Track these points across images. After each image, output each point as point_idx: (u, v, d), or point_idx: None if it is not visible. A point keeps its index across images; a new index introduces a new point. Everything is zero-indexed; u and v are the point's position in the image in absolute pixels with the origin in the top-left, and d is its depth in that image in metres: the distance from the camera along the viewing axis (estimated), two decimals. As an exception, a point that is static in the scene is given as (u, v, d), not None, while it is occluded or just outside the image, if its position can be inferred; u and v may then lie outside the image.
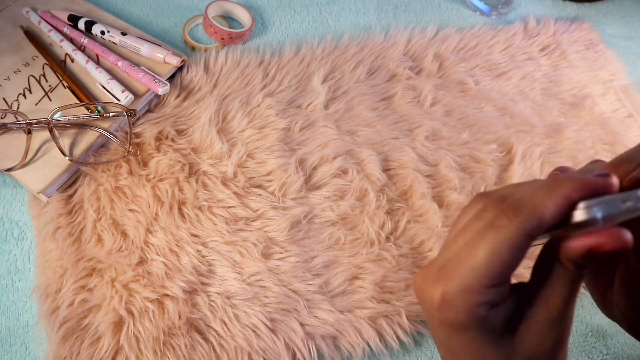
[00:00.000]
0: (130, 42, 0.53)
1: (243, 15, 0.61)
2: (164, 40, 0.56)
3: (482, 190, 0.51)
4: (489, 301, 0.22)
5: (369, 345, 0.43)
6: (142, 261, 0.44)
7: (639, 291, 0.27)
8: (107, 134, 0.48)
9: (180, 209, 0.46)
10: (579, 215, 0.21)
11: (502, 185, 0.25)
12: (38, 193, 0.45)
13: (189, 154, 0.49)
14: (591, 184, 0.22)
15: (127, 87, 0.51)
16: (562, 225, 0.22)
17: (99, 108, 0.49)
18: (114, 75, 0.51)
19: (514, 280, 0.24)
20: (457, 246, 0.23)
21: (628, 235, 0.21)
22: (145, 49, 0.53)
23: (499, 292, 0.23)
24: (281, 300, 0.43)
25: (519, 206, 0.22)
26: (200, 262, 0.44)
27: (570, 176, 0.22)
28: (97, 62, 0.53)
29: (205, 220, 0.46)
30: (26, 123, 0.46)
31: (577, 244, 0.22)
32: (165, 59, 0.53)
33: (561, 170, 0.27)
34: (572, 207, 0.22)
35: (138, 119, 0.51)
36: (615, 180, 0.22)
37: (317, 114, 0.53)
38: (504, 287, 0.23)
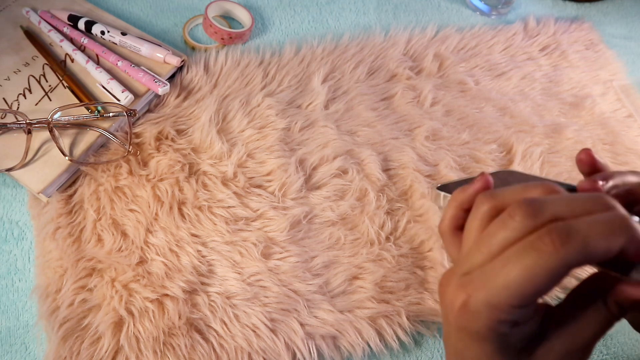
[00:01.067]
0: (130, 42, 0.53)
1: (243, 15, 0.61)
2: (164, 40, 0.56)
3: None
4: (513, 320, 0.22)
5: (369, 345, 0.43)
6: (142, 261, 0.44)
7: None
8: (107, 134, 0.48)
9: (180, 209, 0.46)
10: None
11: (523, 184, 0.24)
12: (38, 193, 0.45)
13: (189, 154, 0.49)
14: None
15: (127, 87, 0.51)
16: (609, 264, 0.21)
17: (99, 108, 0.49)
18: (114, 75, 0.51)
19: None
20: (485, 255, 0.22)
21: None
22: (145, 49, 0.53)
23: (524, 312, 0.22)
24: (281, 300, 0.43)
25: (569, 235, 0.20)
26: (200, 262, 0.44)
27: (631, 224, 0.20)
28: (97, 62, 0.53)
29: (205, 220, 0.46)
30: (26, 123, 0.46)
31: (633, 292, 0.21)
32: (165, 59, 0.53)
33: (605, 178, 0.25)
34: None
35: (138, 119, 0.51)
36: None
37: (317, 114, 0.53)
38: (530, 308, 0.22)
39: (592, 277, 0.24)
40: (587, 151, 0.27)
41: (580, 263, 0.20)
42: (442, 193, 0.29)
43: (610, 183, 0.25)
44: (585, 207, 0.21)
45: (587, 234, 0.20)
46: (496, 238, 0.22)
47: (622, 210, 0.21)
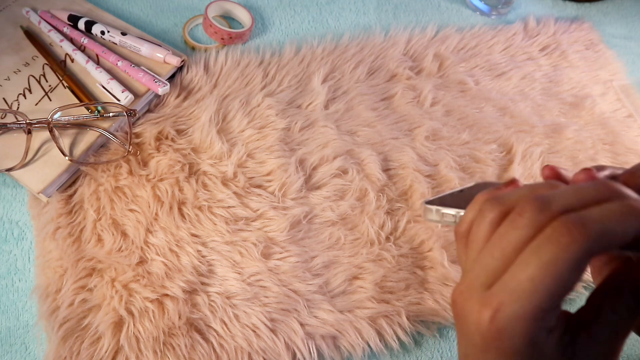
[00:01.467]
0: (130, 42, 0.53)
1: (243, 15, 0.61)
2: (164, 40, 0.56)
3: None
4: (548, 326, 0.21)
5: (369, 345, 0.43)
6: (142, 261, 0.44)
7: None
8: (107, 134, 0.48)
9: (180, 209, 0.46)
10: None
11: (520, 188, 0.24)
12: (38, 193, 0.45)
13: (189, 154, 0.49)
14: None
15: (127, 87, 0.51)
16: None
17: (99, 108, 0.49)
18: (114, 75, 0.51)
19: None
20: (499, 261, 0.21)
21: None
22: (145, 49, 0.53)
23: (555, 314, 0.21)
24: (281, 300, 0.43)
25: (584, 222, 0.19)
26: (200, 262, 0.44)
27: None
28: (97, 62, 0.53)
29: (205, 220, 0.46)
30: (26, 123, 0.46)
31: None
32: (165, 59, 0.53)
33: (599, 169, 0.25)
34: None
35: (138, 119, 0.51)
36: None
37: (317, 114, 0.53)
38: (559, 309, 0.22)
39: (609, 277, 0.24)
40: (550, 167, 0.27)
41: (600, 249, 0.19)
42: (434, 207, 0.27)
43: (606, 172, 0.25)
44: (594, 195, 0.21)
45: (602, 220, 0.19)
46: (508, 239, 0.21)
47: (631, 193, 0.21)
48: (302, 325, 0.43)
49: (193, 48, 0.58)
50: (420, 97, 0.56)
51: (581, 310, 0.24)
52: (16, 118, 0.48)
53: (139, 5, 0.62)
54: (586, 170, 0.25)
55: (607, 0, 0.70)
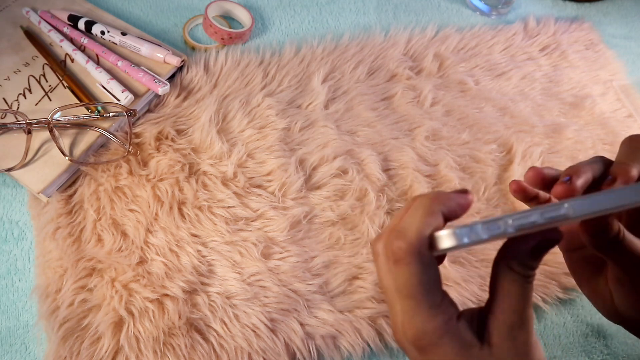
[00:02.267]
0: (130, 42, 0.53)
1: (243, 15, 0.61)
2: (164, 40, 0.56)
3: (482, 190, 0.51)
4: (452, 314, 0.25)
5: (369, 345, 0.43)
6: (142, 261, 0.44)
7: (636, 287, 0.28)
8: (107, 134, 0.48)
9: (180, 209, 0.46)
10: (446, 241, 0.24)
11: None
12: (38, 193, 0.45)
13: (189, 154, 0.49)
14: (448, 199, 0.25)
15: (127, 87, 0.51)
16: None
17: (99, 108, 0.49)
18: (114, 75, 0.51)
19: None
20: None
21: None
22: (145, 49, 0.53)
23: (445, 303, 0.25)
24: (281, 300, 0.43)
25: (400, 231, 0.24)
26: (200, 262, 0.44)
27: (429, 194, 0.25)
28: (97, 62, 0.53)
29: (205, 220, 0.46)
30: (26, 123, 0.46)
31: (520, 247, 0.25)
32: (165, 59, 0.53)
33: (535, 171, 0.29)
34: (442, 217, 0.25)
35: (138, 119, 0.51)
36: (470, 198, 0.25)
37: (317, 114, 0.53)
38: (445, 300, 0.25)
39: (495, 262, 0.26)
40: (515, 182, 0.31)
41: (410, 236, 0.24)
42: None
43: (581, 180, 0.28)
44: (404, 209, 0.26)
45: (410, 223, 0.24)
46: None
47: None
48: (302, 325, 0.43)
49: (193, 48, 0.58)
50: (420, 97, 0.56)
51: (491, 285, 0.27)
52: (16, 118, 0.48)
53: (139, 5, 0.62)
54: (532, 168, 0.30)
55: (607, 0, 0.70)
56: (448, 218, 0.25)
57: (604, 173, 0.29)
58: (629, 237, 0.28)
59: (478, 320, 0.26)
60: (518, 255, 0.25)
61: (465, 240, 0.23)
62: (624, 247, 0.28)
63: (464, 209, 0.25)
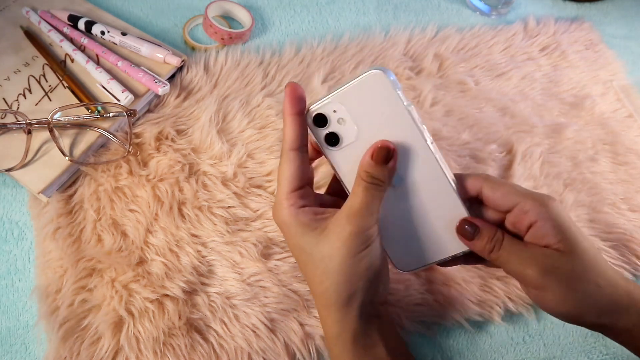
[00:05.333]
0: (130, 42, 0.53)
1: (243, 15, 0.61)
2: (164, 40, 0.56)
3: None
4: (295, 202, 0.33)
5: (368, 346, 0.43)
6: (142, 261, 0.44)
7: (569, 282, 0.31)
8: (107, 134, 0.48)
9: (180, 209, 0.46)
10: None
11: None
12: (38, 193, 0.45)
13: (189, 154, 0.49)
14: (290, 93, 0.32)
15: (127, 87, 0.51)
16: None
17: (99, 108, 0.49)
18: (114, 76, 0.51)
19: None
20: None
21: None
22: (145, 49, 0.53)
23: (300, 194, 0.33)
24: (281, 301, 0.43)
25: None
26: (200, 262, 0.44)
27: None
28: (97, 62, 0.53)
29: (205, 221, 0.46)
30: (26, 123, 0.46)
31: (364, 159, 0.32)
32: (165, 59, 0.53)
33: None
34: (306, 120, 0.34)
35: (138, 119, 0.51)
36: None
37: (317, 114, 0.53)
38: (305, 189, 0.34)
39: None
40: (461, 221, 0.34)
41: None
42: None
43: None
44: None
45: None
46: None
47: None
48: (301, 325, 0.43)
49: (193, 48, 0.58)
50: (421, 97, 0.56)
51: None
52: (16, 118, 0.48)
53: (139, 5, 0.62)
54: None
55: (607, 0, 0.70)
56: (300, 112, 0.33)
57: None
58: (508, 244, 0.32)
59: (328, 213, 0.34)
60: (363, 164, 0.32)
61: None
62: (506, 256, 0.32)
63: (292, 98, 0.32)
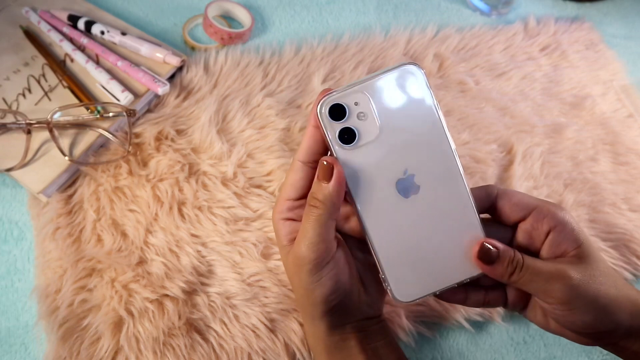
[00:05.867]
0: (130, 42, 0.53)
1: (243, 15, 0.61)
2: (164, 40, 0.56)
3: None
4: (282, 212, 0.32)
5: (369, 346, 0.43)
6: (142, 261, 0.44)
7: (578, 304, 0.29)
8: (106, 134, 0.48)
9: (180, 209, 0.46)
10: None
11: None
12: (38, 193, 0.45)
13: (188, 154, 0.49)
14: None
15: (127, 87, 0.51)
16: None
17: (99, 108, 0.49)
18: (113, 75, 0.51)
19: None
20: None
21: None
22: (145, 49, 0.53)
23: (291, 205, 0.32)
24: (281, 301, 0.43)
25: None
26: (200, 262, 0.44)
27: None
28: (97, 62, 0.53)
29: (205, 221, 0.46)
30: (26, 123, 0.46)
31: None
32: (165, 59, 0.53)
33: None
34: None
35: (138, 119, 0.51)
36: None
37: (317, 114, 0.53)
38: (300, 202, 0.32)
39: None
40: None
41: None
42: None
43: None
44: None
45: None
46: None
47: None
48: (301, 325, 0.43)
49: (193, 48, 0.58)
50: (420, 97, 0.56)
51: None
52: (16, 118, 0.48)
53: (139, 5, 0.62)
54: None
55: (607, 0, 0.70)
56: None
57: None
58: (530, 263, 0.30)
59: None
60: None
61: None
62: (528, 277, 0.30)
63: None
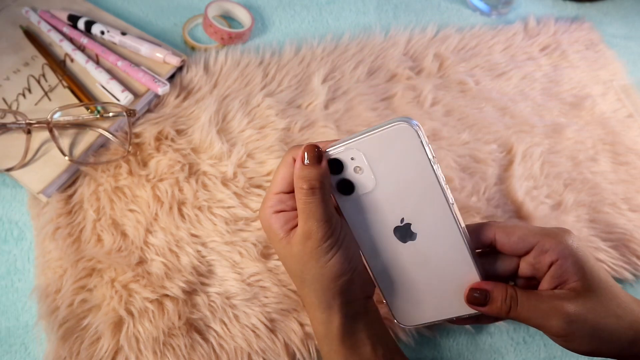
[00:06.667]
0: (130, 42, 0.53)
1: (243, 15, 0.61)
2: (164, 40, 0.56)
3: (482, 190, 0.51)
4: (273, 205, 0.33)
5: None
6: (141, 261, 0.44)
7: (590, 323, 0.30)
8: (106, 134, 0.48)
9: (180, 209, 0.46)
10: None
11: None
12: (38, 193, 0.45)
13: (188, 154, 0.49)
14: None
15: (127, 87, 0.51)
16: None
17: (99, 108, 0.49)
18: (113, 75, 0.51)
19: None
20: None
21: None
22: (145, 49, 0.53)
23: (282, 198, 0.33)
24: (280, 301, 0.43)
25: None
26: (200, 262, 0.44)
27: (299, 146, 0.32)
28: (97, 62, 0.53)
29: (205, 221, 0.46)
30: (26, 123, 0.46)
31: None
32: (165, 59, 0.53)
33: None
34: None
35: (138, 119, 0.51)
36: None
37: (317, 114, 0.53)
38: (290, 195, 0.32)
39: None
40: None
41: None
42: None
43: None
44: None
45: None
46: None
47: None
48: (301, 325, 0.43)
49: (193, 48, 0.58)
50: (421, 97, 0.56)
51: None
52: (16, 118, 0.48)
53: (139, 5, 0.62)
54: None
55: (607, 0, 0.70)
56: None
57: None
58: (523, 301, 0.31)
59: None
60: (295, 175, 0.31)
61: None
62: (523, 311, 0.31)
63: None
